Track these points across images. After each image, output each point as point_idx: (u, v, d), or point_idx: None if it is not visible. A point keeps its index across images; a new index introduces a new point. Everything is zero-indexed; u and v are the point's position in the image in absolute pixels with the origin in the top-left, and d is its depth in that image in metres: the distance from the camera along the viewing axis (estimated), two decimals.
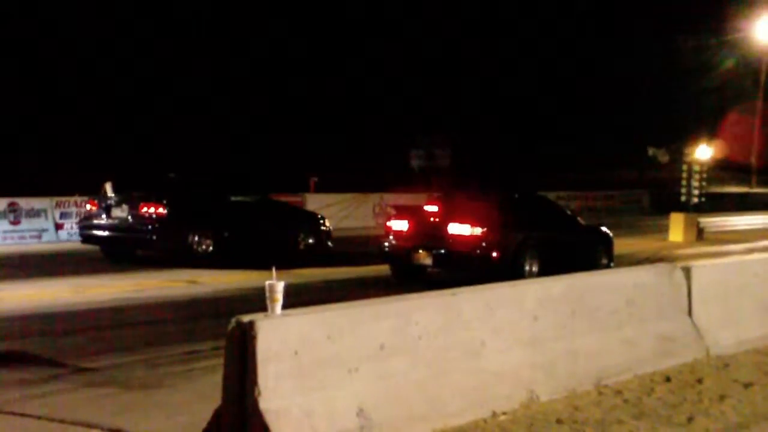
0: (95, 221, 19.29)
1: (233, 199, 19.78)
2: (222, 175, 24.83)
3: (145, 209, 18.34)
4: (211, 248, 18.63)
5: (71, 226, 23.44)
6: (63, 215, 23.45)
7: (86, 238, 19.77)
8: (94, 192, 21.43)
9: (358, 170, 41.29)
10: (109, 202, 19.05)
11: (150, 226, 18.25)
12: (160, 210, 18.27)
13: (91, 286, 15.28)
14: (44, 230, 23.12)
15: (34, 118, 44.25)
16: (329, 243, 20.97)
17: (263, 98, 54.97)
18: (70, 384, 8.72)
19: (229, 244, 18.92)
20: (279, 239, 19.96)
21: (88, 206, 19.88)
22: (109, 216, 18.96)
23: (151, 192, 18.78)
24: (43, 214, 23.14)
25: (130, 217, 18.61)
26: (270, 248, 19.03)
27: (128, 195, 18.88)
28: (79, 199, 23.74)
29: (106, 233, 19.13)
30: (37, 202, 23.16)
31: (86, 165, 33.50)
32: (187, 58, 51.81)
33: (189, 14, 53.10)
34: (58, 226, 23.38)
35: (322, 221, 21.08)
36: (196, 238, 18.49)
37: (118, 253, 19.31)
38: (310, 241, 20.55)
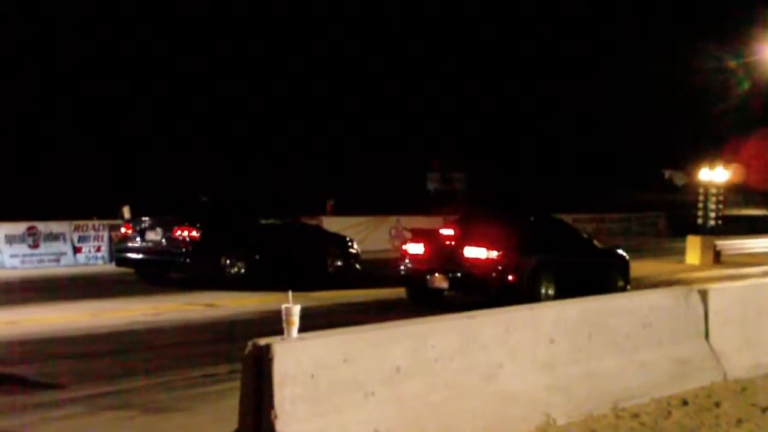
0: (130, 244, 19.47)
1: (264, 222, 20.02)
2: (252, 199, 25.22)
3: (179, 232, 18.56)
4: (242, 271, 18.86)
5: (89, 250, 23.59)
6: (81, 239, 23.58)
7: (121, 261, 19.99)
8: (113, 215, 21.58)
9: (375, 193, 41.35)
10: (143, 225, 19.23)
11: (184, 249, 18.47)
12: (194, 233, 18.50)
13: (110, 310, 15.35)
14: (62, 254, 23.25)
15: (52, 138, 44.57)
16: (357, 266, 21.25)
17: (281, 120, 55.16)
18: (89, 407, 8.76)
19: (261, 266, 19.12)
20: (309, 262, 20.33)
21: (123, 230, 20.13)
22: (143, 239, 19.15)
23: (185, 215, 18.97)
24: (61, 237, 23.27)
25: (164, 240, 18.81)
26: (300, 271, 19.36)
27: (162, 218, 19.06)
28: (97, 222, 23.91)
29: (140, 256, 19.35)
30: (55, 226, 23.29)
31: (104, 188, 33.70)
32: (205, 76, 52.09)
33: (214, 33, 53.45)
34: (77, 250, 23.50)
35: (350, 244, 21.46)
36: (229, 261, 18.70)
37: (151, 275, 19.46)
38: (339, 263, 20.87)
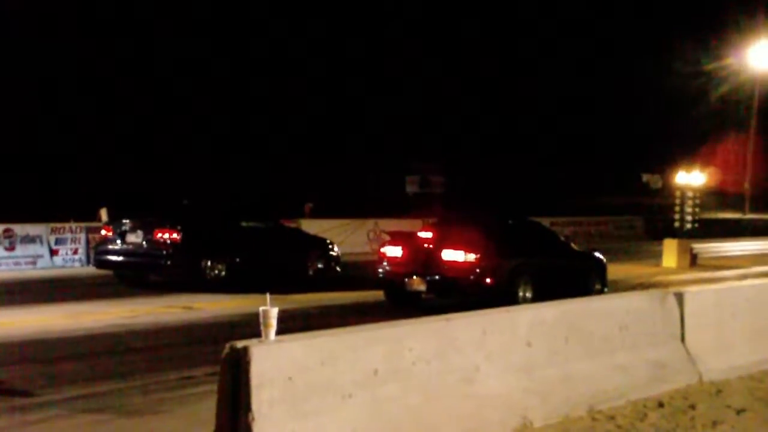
0: (110, 247, 19.36)
1: (245, 224, 20.01)
2: (233, 201, 25.22)
3: (159, 235, 18.48)
4: (223, 273, 18.83)
5: (66, 252, 23.46)
6: (58, 241, 23.45)
7: (101, 264, 19.86)
8: (90, 218, 21.40)
9: (354, 196, 41.40)
10: (123, 228, 19.14)
11: (164, 252, 18.40)
12: (175, 236, 18.43)
13: (87, 312, 15.27)
14: (39, 256, 23.11)
15: (32, 140, 44.38)
16: (338, 268, 21.33)
17: (260, 122, 55.11)
18: (66, 410, 8.72)
19: (241, 269, 19.10)
20: (289, 264, 20.37)
21: (103, 232, 20.04)
22: (123, 242, 19.06)
23: (166, 218, 18.93)
24: (38, 240, 23.13)
25: (144, 243, 18.72)
26: (281, 273, 19.40)
27: (143, 221, 18.99)
28: (74, 224, 23.78)
29: (120, 258, 19.23)
30: (32, 228, 23.14)
31: (82, 190, 33.55)
32: (188, 79, 52.02)
33: (198, 43, 53.44)
34: (53, 252, 23.37)
35: (330, 246, 21.57)
36: (209, 264, 18.66)
37: (131, 278, 19.38)
38: (320, 266, 21.01)
